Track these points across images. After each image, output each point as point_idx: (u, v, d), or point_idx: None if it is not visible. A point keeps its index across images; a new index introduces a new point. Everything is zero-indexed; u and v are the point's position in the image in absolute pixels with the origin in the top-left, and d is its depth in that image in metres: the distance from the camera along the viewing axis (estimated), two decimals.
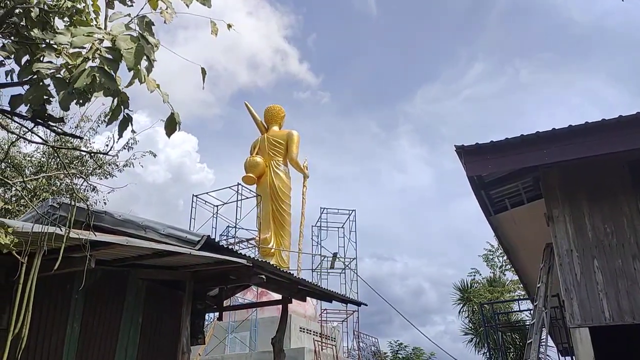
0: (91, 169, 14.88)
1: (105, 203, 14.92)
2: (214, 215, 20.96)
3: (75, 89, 2.29)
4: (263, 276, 7.54)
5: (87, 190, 14.42)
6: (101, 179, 15.61)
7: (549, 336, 12.10)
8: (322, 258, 22.62)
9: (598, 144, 7.65)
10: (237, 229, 20.44)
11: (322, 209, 23.77)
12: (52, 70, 2.49)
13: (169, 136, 2.95)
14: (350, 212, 23.72)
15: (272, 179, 22.65)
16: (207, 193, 21.18)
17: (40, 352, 5.08)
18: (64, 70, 2.54)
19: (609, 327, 7.49)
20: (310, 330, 20.27)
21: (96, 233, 4.37)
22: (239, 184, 20.77)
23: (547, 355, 13.27)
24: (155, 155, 13.39)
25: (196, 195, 20.87)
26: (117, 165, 14.85)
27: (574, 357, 10.40)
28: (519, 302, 18.72)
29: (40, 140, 4.15)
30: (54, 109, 7.62)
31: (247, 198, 21.45)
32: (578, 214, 8.21)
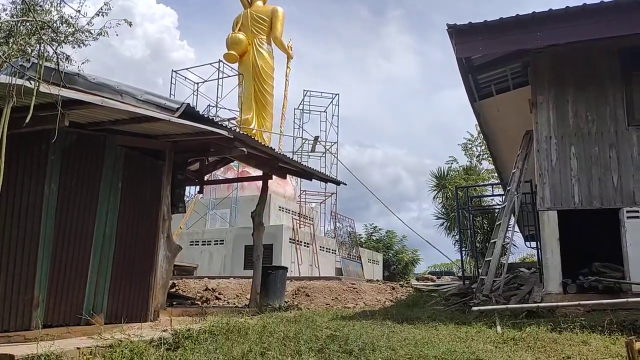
0: (63, 36, 14.09)
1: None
2: (194, 93, 20.52)
3: None
4: (244, 149, 7.52)
5: (61, 59, 13.79)
6: (74, 47, 14.89)
7: (516, 224, 12.68)
8: (304, 141, 22.74)
9: (593, 28, 7.41)
10: (218, 109, 20.13)
11: (305, 92, 23.46)
12: None
13: None
14: (334, 96, 23.48)
15: (255, 57, 21.91)
16: (187, 69, 20.50)
17: (19, 208, 5.09)
18: None
19: (576, 211, 7.81)
20: (289, 210, 20.93)
21: (69, 90, 4.18)
22: (220, 61, 20.07)
23: (512, 239, 13.99)
24: (131, 24, 12.61)
25: (176, 71, 20.23)
26: (91, 34, 14.06)
27: (539, 242, 10.99)
28: (493, 187, 19.39)
29: None
30: None
31: (229, 76, 20.92)
32: (562, 101, 8.18)
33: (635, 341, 3.49)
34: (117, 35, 13.70)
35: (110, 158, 6.21)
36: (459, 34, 8.08)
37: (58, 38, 13.51)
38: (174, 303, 9.73)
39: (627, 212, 7.43)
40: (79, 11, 13.15)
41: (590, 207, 7.73)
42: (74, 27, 13.65)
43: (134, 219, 6.61)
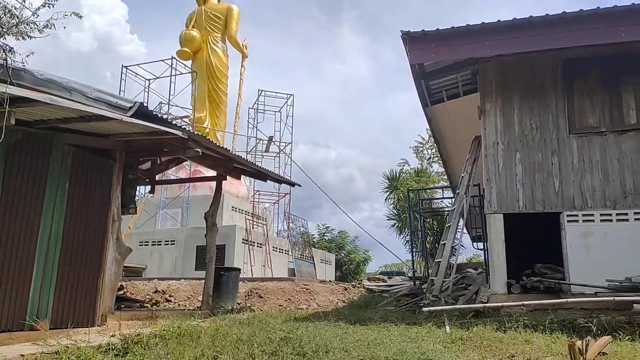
0: (6, 27, 13.42)
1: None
2: (145, 90, 19.99)
3: None
4: (198, 150, 7.42)
5: (3, 51, 13.14)
6: (18, 39, 14.20)
7: (464, 226, 13.08)
8: (258, 141, 22.62)
9: (539, 39, 7.75)
10: (170, 106, 19.72)
11: (260, 92, 23.34)
12: None
13: None
14: (289, 96, 23.47)
15: (209, 55, 21.62)
16: (138, 65, 19.96)
17: None
18: None
19: (521, 214, 8.14)
20: (242, 210, 20.77)
21: (16, 87, 4.00)
22: (173, 57, 19.67)
23: (461, 240, 14.39)
24: (81, 17, 12.18)
25: (126, 67, 19.66)
26: (36, 25, 13.45)
27: (486, 243, 11.40)
28: (443, 190, 19.91)
29: None
30: None
31: (182, 74, 20.51)
32: (509, 108, 8.52)
33: (577, 341, 3.69)
34: (64, 28, 13.11)
35: (57, 157, 5.99)
36: (412, 40, 8.28)
37: (0, 30, 12.86)
38: (122, 306, 9.47)
39: (567, 216, 7.81)
40: (23, 1, 12.56)
41: (533, 211, 8.08)
42: (17, 18, 13.03)
43: (81, 220, 6.40)
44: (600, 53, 8.05)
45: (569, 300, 6.64)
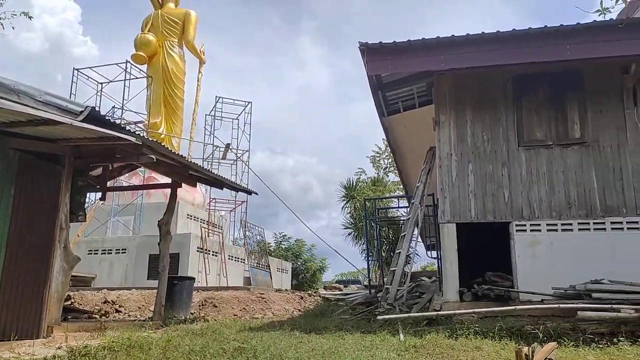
0: None
1: None
2: (98, 93, 19.47)
3: None
4: (153, 157, 7.26)
5: None
6: None
7: (419, 234, 13.32)
8: (215, 148, 22.36)
9: (490, 55, 8.03)
10: (124, 111, 19.25)
11: (217, 98, 23.12)
12: None
13: None
14: (247, 103, 23.34)
15: (165, 60, 21.28)
16: (90, 68, 19.42)
17: None
18: None
19: (473, 224, 8.36)
20: (197, 218, 20.44)
21: None
22: (127, 61, 19.24)
23: (416, 249, 14.64)
24: (31, 17, 11.77)
25: (78, 69, 19.09)
26: None
27: (439, 252, 11.62)
28: (399, 200, 20.22)
29: None
30: None
31: (137, 78, 20.11)
32: (462, 121, 8.76)
33: (524, 347, 3.80)
34: (13, 28, 12.63)
35: (2, 162, 5.74)
36: (370, 52, 8.41)
37: None
38: (69, 317, 9.11)
39: (516, 225, 8.08)
40: None
41: (485, 221, 8.32)
42: None
43: (27, 228, 6.14)
44: (548, 70, 8.42)
45: (517, 307, 6.85)
